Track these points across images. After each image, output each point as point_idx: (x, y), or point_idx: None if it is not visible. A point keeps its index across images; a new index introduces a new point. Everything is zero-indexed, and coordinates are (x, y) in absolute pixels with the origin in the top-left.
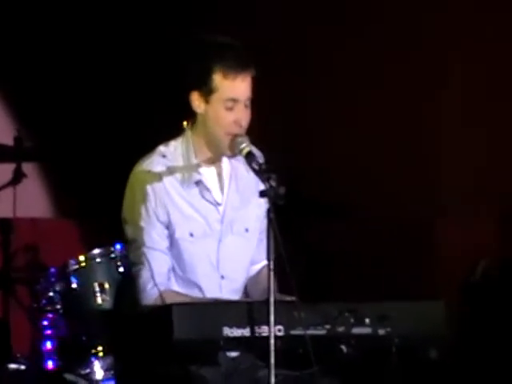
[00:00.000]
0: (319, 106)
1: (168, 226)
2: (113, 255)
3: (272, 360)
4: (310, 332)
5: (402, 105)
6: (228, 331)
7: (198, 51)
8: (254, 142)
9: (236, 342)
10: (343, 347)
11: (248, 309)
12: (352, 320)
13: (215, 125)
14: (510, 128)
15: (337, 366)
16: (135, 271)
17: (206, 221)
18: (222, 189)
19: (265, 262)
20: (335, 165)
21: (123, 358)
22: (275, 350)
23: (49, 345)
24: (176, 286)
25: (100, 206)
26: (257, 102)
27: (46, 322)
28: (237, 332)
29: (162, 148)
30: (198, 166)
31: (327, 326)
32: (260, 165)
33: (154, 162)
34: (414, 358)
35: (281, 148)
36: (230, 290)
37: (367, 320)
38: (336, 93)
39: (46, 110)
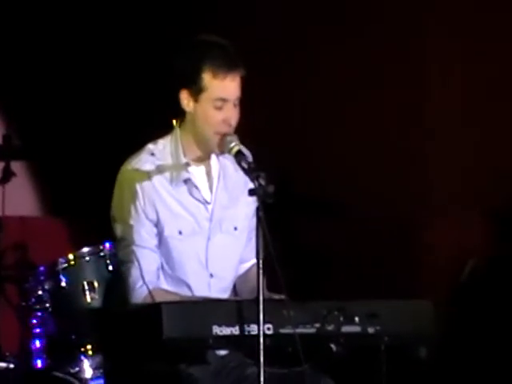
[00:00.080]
0: (311, 106)
1: (157, 224)
2: (102, 253)
3: (261, 358)
4: (300, 330)
5: (394, 106)
6: (217, 330)
7: (187, 50)
8: (243, 142)
9: (225, 341)
10: (332, 345)
11: (237, 307)
12: (341, 318)
13: (204, 123)
14: (499, 128)
15: (326, 365)
16: (124, 269)
17: (194, 219)
18: (210, 187)
19: (254, 261)
20: (328, 165)
21: (112, 357)
22: (264, 349)
23: (38, 343)
24: (165, 285)
25: (89, 204)
26: (248, 101)
27: (34, 321)
28: (226, 330)
29: (150, 146)
30: (187, 164)
31: (316, 325)
32: (249, 163)
33: (143, 160)
34: (403, 357)
35: (274, 148)
36: (218, 289)
37: (356, 318)
38: (328, 93)
39: (34, 109)
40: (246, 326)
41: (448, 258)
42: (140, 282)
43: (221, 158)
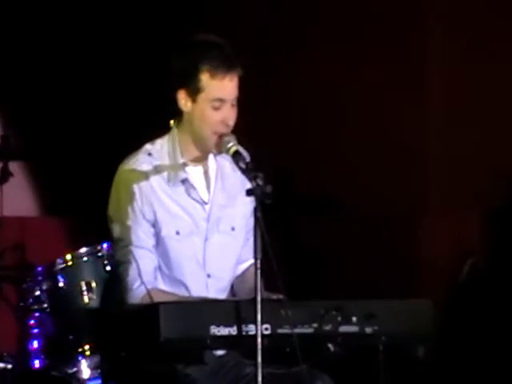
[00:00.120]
0: (311, 106)
1: (154, 225)
2: (100, 254)
3: (259, 358)
4: (297, 330)
5: (394, 106)
6: (215, 330)
7: (185, 50)
8: (243, 142)
9: (223, 341)
10: (330, 345)
11: (235, 307)
12: (339, 318)
13: (202, 124)
14: (499, 128)
15: (324, 364)
16: (121, 270)
17: (192, 219)
18: (208, 187)
19: (251, 261)
20: (328, 165)
21: (110, 357)
22: (262, 349)
23: (35, 344)
24: (162, 285)
25: (87, 204)
26: (248, 101)
27: (32, 321)
28: (224, 331)
29: (148, 146)
30: (184, 164)
31: (314, 325)
32: (247, 164)
33: (140, 161)
34: (401, 357)
35: (274, 148)
36: (216, 289)
37: (354, 318)
38: (328, 93)
39: (32, 109)
40: (243, 326)
41: (447, 257)
42: (137, 283)
43: (218, 158)
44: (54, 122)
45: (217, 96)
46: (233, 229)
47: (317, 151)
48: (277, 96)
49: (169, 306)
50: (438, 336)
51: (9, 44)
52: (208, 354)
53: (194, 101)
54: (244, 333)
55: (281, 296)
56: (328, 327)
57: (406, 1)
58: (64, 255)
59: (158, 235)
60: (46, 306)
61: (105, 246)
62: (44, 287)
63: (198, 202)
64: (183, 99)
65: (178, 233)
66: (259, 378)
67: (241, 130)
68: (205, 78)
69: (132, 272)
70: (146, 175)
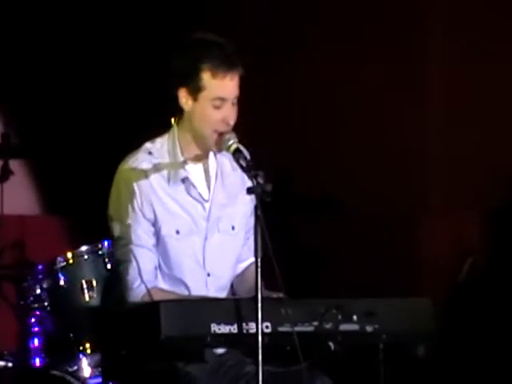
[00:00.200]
0: (311, 106)
1: (154, 224)
2: (100, 252)
3: (259, 357)
4: (298, 329)
5: (394, 106)
6: (216, 328)
7: (186, 49)
8: (243, 142)
9: (223, 339)
10: (331, 344)
11: (236, 305)
12: (339, 317)
13: (202, 122)
14: (499, 128)
15: (324, 363)
16: (122, 269)
17: (191, 218)
18: (208, 186)
19: (251, 260)
20: (328, 165)
21: (111, 355)
22: (262, 347)
23: (36, 342)
24: (162, 284)
25: (87, 202)
26: (248, 101)
27: (33, 319)
28: (224, 329)
29: (148, 145)
30: (185, 163)
31: (315, 323)
32: (247, 161)
33: (140, 159)
34: (401, 355)
35: (274, 148)
36: (216, 288)
37: (355, 317)
38: (328, 93)
39: (33, 107)
40: (244, 324)
41: (447, 257)
42: (137, 282)
43: (218, 156)
44: (55, 120)
45: (218, 95)
46: (233, 228)
47: (317, 151)
48: (277, 96)
49: (169, 304)
50: (438, 335)
51: (10, 43)
52: (208, 353)
53: (194, 99)
54: (245, 331)
55: (281, 294)
56: (328, 325)
57: (406, 1)
58: (64, 253)
59: (157, 234)
60: (46, 304)
61: (105, 244)
62: (44, 285)
63: (197, 201)
64: (184, 97)
65: (177, 232)
66: (260, 376)
67: (241, 130)
68: (206, 76)
69: (132, 271)
70: (145, 174)
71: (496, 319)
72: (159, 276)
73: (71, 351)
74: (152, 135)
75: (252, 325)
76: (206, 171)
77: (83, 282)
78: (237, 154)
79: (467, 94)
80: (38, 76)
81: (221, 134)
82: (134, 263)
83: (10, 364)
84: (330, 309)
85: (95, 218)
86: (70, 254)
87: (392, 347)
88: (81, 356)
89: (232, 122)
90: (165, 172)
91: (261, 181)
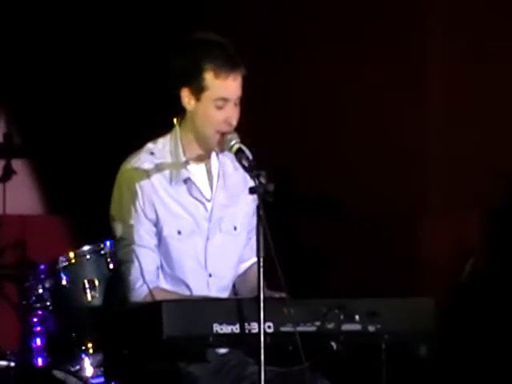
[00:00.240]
0: (311, 106)
1: (156, 224)
2: (103, 252)
3: (262, 357)
4: (300, 329)
5: (394, 106)
6: (218, 328)
7: (188, 49)
8: (244, 141)
9: (226, 339)
10: (333, 344)
11: (238, 305)
12: (342, 317)
13: (205, 122)
14: (499, 128)
15: (326, 363)
16: (124, 269)
17: (193, 219)
18: (211, 186)
19: (253, 260)
20: (328, 165)
21: (113, 355)
22: (265, 347)
23: (38, 342)
24: (164, 284)
25: (89, 202)
26: (248, 101)
27: (35, 319)
28: (226, 329)
29: (150, 145)
30: (187, 163)
31: (317, 323)
32: (250, 161)
33: (142, 160)
34: (403, 355)
35: (274, 148)
36: (217, 288)
37: (357, 317)
38: (328, 93)
39: (35, 107)
40: (246, 324)
41: (447, 257)
42: (140, 282)
43: (220, 156)
44: (57, 120)
45: (220, 95)
46: (235, 228)
47: (317, 151)
48: (277, 96)
49: (171, 304)
50: (440, 335)
51: (12, 44)
52: (211, 352)
53: (197, 99)
54: (247, 331)
55: (283, 294)
56: (331, 325)
57: (406, 1)
58: (67, 253)
59: (159, 234)
60: (48, 304)
61: (107, 243)
62: (46, 285)
63: (199, 201)
64: (186, 97)
65: (179, 232)
66: (262, 376)
67: (241, 130)
68: (209, 76)
69: (134, 271)
70: (147, 174)
71: (498, 319)
72: (161, 276)
73: (73, 351)
74: (154, 135)
75: (254, 325)
76: (209, 171)
77: (85, 281)
78: (239, 154)
79: (467, 94)
80: (41, 76)
81: (223, 134)
82: (137, 263)
83: (12, 363)
84: (332, 309)
85: (97, 218)
86: (72, 254)
87: (394, 347)
88: (83, 356)
89: (234, 122)
90: (167, 172)
91: (263, 181)
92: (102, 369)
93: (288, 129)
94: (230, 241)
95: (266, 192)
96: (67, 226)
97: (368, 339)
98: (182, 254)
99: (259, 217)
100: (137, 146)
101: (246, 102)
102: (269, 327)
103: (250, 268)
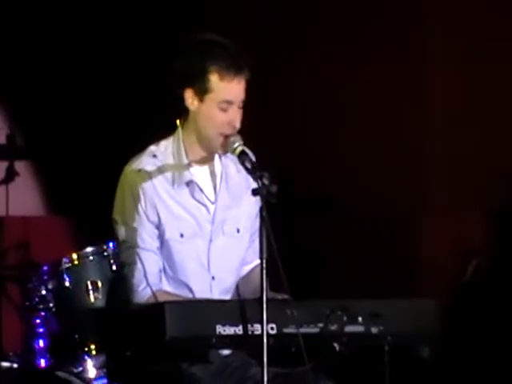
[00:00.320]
0: (311, 106)
1: (158, 227)
2: (106, 253)
3: (265, 358)
4: (303, 330)
5: (394, 106)
6: (221, 329)
7: (193, 50)
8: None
9: (228, 340)
10: (336, 345)
11: (241, 307)
12: (345, 318)
13: (208, 124)
14: (499, 128)
15: (329, 364)
16: (127, 271)
17: (196, 221)
18: (214, 187)
19: (256, 262)
20: (328, 165)
21: (116, 356)
22: (268, 348)
23: (41, 343)
24: (167, 287)
25: (92, 203)
26: (248, 101)
27: (38, 320)
28: (229, 330)
29: (152, 148)
30: (189, 165)
31: (320, 324)
32: (253, 163)
33: (144, 162)
34: (406, 357)
35: (274, 148)
36: (220, 290)
37: (360, 318)
38: (328, 93)
39: (38, 109)
40: (249, 325)
41: (447, 257)
42: (143, 285)
43: (223, 158)
44: (60, 121)
45: (225, 98)
46: (238, 230)
47: (317, 151)
48: (277, 96)
49: (174, 305)
50: (443, 336)
51: (15, 45)
52: (213, 354)
53: (201, 100)
54: (250, 332)
55: (286, 296)
56: (334, 327)
57: (406, 1)
58: (69, 254)
59: (161, 237)
60: (51, 305)
61: (110, 245)
62: (49, 286)
63: (202, 203)
64: (190, 98)
65: (181, 235)
66: (265, 378)
67: (241, 130)
68: (214, 78)
69: (137, 274)
70: (150, 177)
71: (501, 321)
72: (163, 279)
73: (76, 352)
74: (156, 137)
75: (257, 326)
76: (212, 173)
77: (88, 283)
78: (242, 156)
79: (467, 94)
80: (43, 78)
81: (226, 137)
82: (140, 266)
83: (15, 365)
84: (335, 310)
85: (100, 219)
86: (75, 255)
87: (397, 348)
88: (86, 357)
89: (238, 125)
90: (169, 175)
91: (266, 182)
92: (104, 370)
93: (288, 129)
94: (233, 243)
95: (269, 193)
96: (70, 227)
97: (371, 341)
98: (185, 256)
99: (262, 218)
100: (139, 147)
101: (246, 102)
102: (272, 328)
103: (252, 270)
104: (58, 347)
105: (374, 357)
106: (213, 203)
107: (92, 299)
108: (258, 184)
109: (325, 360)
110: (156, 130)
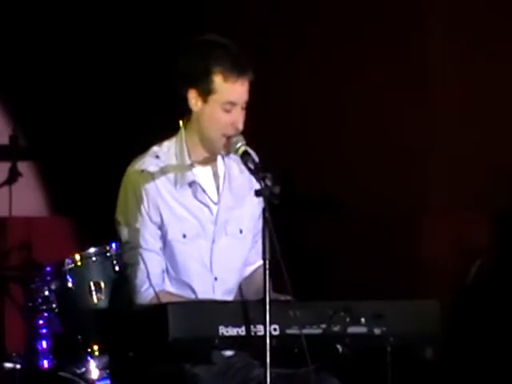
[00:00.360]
0: (311, 106)
1: (161, 227)
2: (108, 254)
3: (267, 359)
4: (306, 331)
5: (394, 106)
6: (224, 330)
7: (196, 51)
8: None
9: (231, 341)
10: (339, 346)
11: (243, 308)
12: (347, 319)
13: (211, 124)
14: (499, 128)
15: (332, 365)
16: (129, 272)
17: (198, 222)
18: (217, 188)
19: (259, 263)
20: (328, 165)
21: (118, 357)
22: (270, 349)
23: (44, 344)
24: (169, 287)
25: (95, 204)
26: (248, 101)
27: (41, 321)
28: (232, 331)
29: (155, 148)
30: (192, 166)
31: (323, 325)
32: (256, 164)
33: (147, 163)
34: (409, 358)
35: (274, 148)
36: (222, 291)
37: (363, 319)
38: (328, 93)
39: (40, 110)
40: (252, 326)
41: (447, 257)
42: (146, 285)
43: (226, 159)
44: (62, 122)
45: (228, 99)
46: (240, 231)
47: (317, 151)
48: (277, 96)
49: (177, 306)
50: (446, 338)
51: (18, 46)
52: (216, 355)
53: (204, 101)
54: (252, 333)
55: (289, 297)
56: (336, 328)
57: (406, 1)
58: (72, 255)
59: (164, 238)
60: (54, 306)
61: (113, 246)
62: (52, 287)
63: (204, 204)
64: (194, 98)
65: (184, 236)
66: (268, 379)
67: (241, 131)
68: (218, 79)
69: (140, 274)
70: (152, 177)
71: (503, 321)
72: (166, 279)
73: (79, 353)
74: (159, 138)
75: (260, 327)
76: (215, 174)
77: (91, 283)
78: (245, 157)
79: (467, 94)
80: (46, 79)
81: (229, 138)
82: (142, 266)
83: (18, 366)
84: (338, 311)
85: (103, 220)
86: (78, 256)
87: (400, 350)
88: (89, 358)
89: (241, 126)
90: (171, 175)
91: (269, 183)
92: (107, 371)
93: (288, 129)
94: (236, 244)
95: (271, 194)
96: (73, 228)
97: (374, 342)
98: (187, 257)
99: (265, 219)
100: (142, 147)
101: (246, 103)
102: (275, 330)
103: (255, 270)
104: (60, 348)
105: (376, 358)
106: (215, 204)
107: (95, 300)
108: (261, 185)
109: (328, 361)
110: (158, 130)
